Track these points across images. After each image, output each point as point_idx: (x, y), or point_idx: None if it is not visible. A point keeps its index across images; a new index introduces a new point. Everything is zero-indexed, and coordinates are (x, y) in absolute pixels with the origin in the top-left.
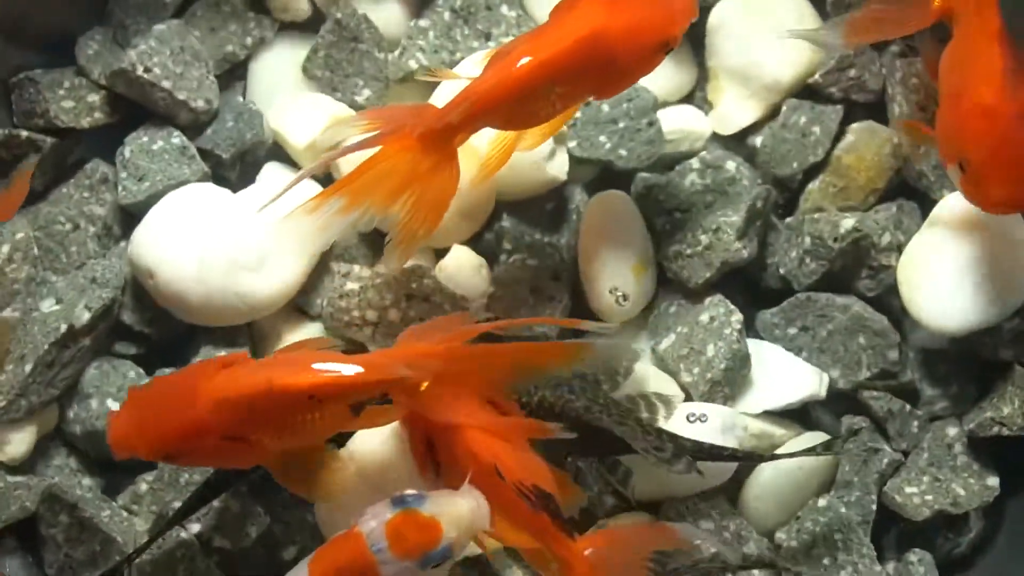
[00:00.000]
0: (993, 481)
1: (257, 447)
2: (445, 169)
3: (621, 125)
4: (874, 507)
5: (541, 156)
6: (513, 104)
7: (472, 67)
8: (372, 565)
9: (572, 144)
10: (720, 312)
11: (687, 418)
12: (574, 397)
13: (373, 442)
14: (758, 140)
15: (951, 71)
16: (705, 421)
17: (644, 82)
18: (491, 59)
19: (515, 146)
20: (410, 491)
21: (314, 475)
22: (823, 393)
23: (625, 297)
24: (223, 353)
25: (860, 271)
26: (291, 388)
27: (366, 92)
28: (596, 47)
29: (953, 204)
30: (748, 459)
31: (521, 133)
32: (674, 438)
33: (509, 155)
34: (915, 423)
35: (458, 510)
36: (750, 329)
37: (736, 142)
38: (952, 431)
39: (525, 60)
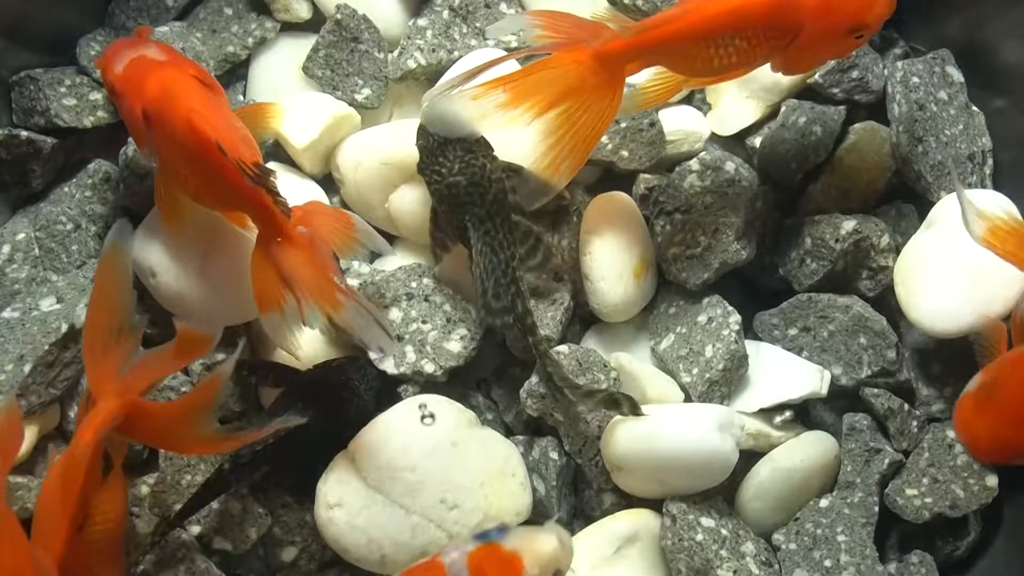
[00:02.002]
0: (992, 481)
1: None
2: (609, 93)
3: (623, 125)
4: (876, 508)
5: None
6: (692, 44)
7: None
8: None
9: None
10: (718, 313)
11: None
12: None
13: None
14: (757, 141)
15: None
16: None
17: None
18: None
19: (678, 89)
20: (493, 525)
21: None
22: (824, 391)
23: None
24: (223, 355)
25: (860, 272)
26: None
27: (366, 91)
28: (787, 12)
29: (949, 207)
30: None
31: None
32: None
33: (670, 95)
34: (914, 422)
35: (540, 547)
36: (748, 330)
37: (735, 143)
38: (951, 432)
39: (715, 4)
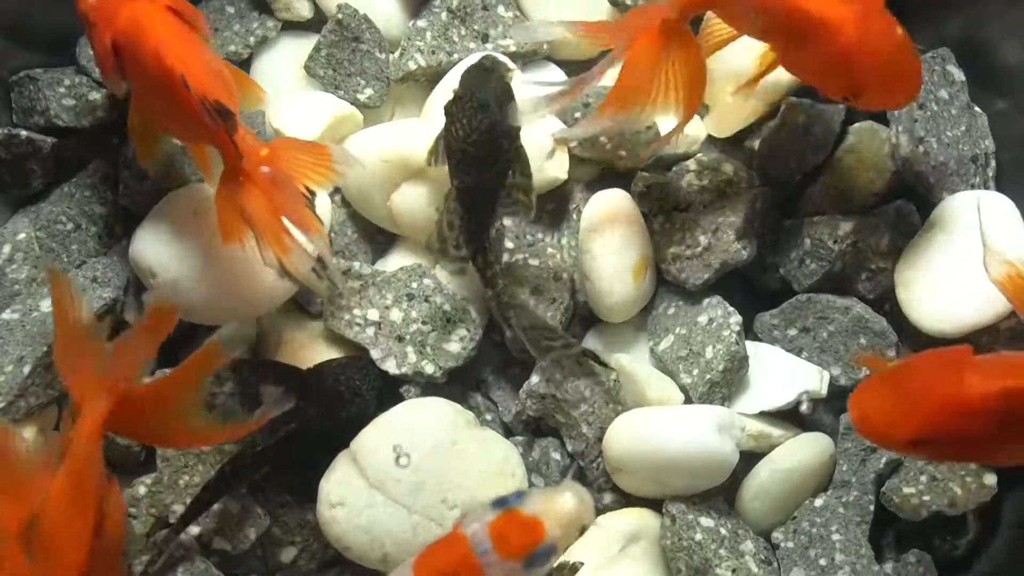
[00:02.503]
0: (991, 480)
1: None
2: (688, 47)
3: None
4: (872, 507)
5: (541, 156)
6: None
7: None
8: (477, 568)
9: (572, 144)
10: (718, 314)
11: None
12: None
13: None
14: (756, 142)
15: None
16: None
17: None
18: None
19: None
20: (511, 492)
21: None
22: (824, 391)
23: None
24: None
25: (860, 273)
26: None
27: (368, 91)
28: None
29: (952, 208)
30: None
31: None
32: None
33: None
34: None
35: (560, 507)
36: (748, 330)
37: (733, 144)
38: None
39: None
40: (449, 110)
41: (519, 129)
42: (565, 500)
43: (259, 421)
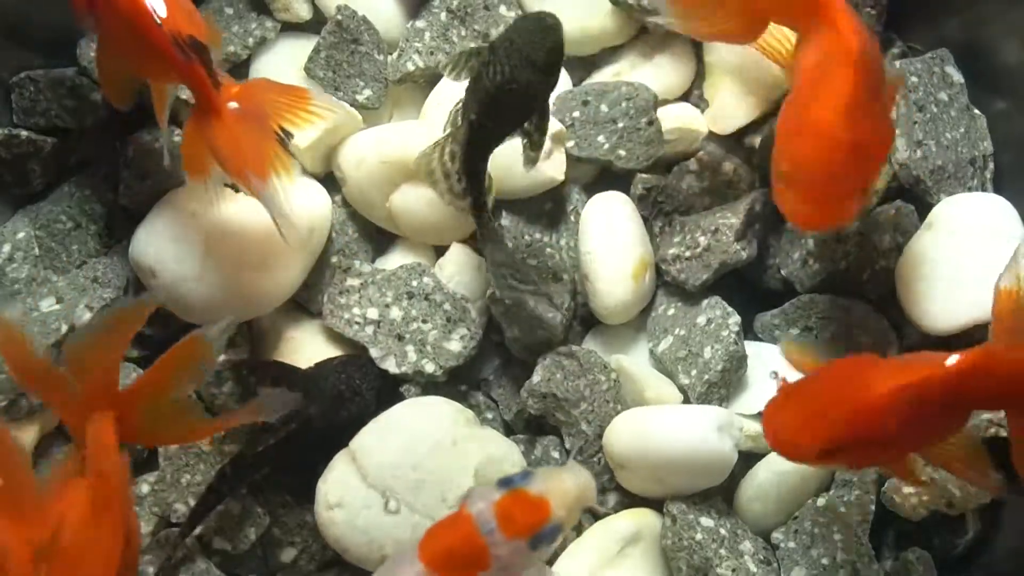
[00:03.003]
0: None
1: None
2: None
3: (620, 125)
4: (873, 507)
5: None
6: None
7: None
8: (483, 548)
9: (570, 144)
10: (717, 314)
11: None
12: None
13: None
14: (757, 139)
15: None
16: None
17: (647, 76)
18: None
19: None
20: (516, 472)
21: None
22: None
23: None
24: (223, 356)
25: (862, 273)
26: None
27: (367, 92)
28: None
29: (949, 208)
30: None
31: None
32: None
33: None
34: None
35: (565, 487)
36: (749, 331)
37: (733, 141)
38: None
39: None
40: (494, 48)
41: (552, 87)
42: (570, 479)
43: (251, 412)
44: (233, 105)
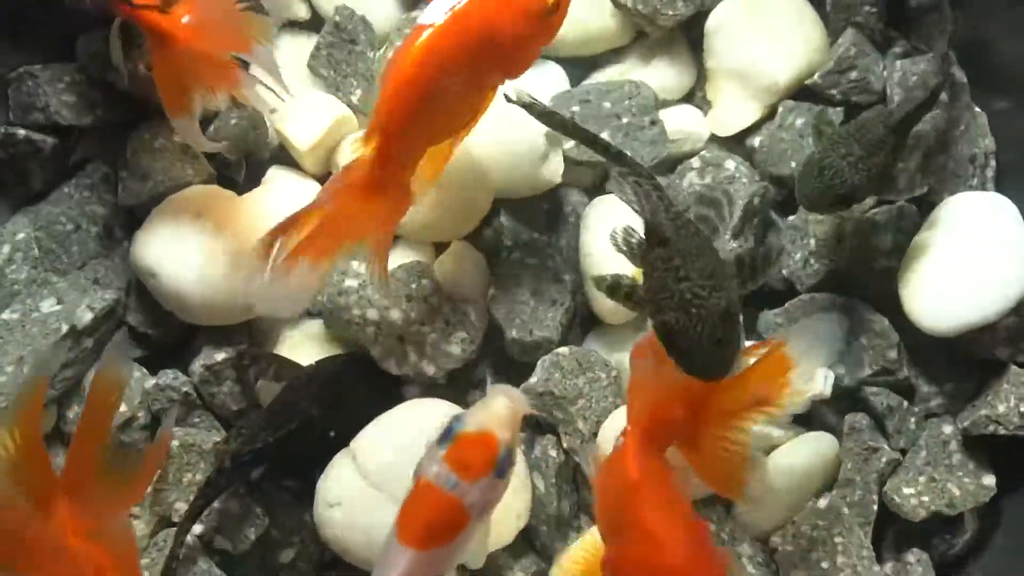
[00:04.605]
0: (989, 480)
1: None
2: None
3: (624, 120)
4: (875, 507)
5: (537, 158)
6: None
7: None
8: (456, 504)
9: (569, 146)
10: None
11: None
12: None
13: None
14: (756, 141)
15: None
16: None
17: (646, 79)
18: None
19: None
20: (445, 422)
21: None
22: (828, 392)
23: None
24: (222, 355)
25: (864, 272)
26: None
27: (359, 92)
28: None
29: (952, 208)
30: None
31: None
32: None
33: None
34: (912, 420)
35: (498, 410)
36: (752, 330)
37: (734, 144)
38: (947, 429)
39: None
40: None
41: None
42: (498, 402)
43: (164, 441)
44: (186, 19)
